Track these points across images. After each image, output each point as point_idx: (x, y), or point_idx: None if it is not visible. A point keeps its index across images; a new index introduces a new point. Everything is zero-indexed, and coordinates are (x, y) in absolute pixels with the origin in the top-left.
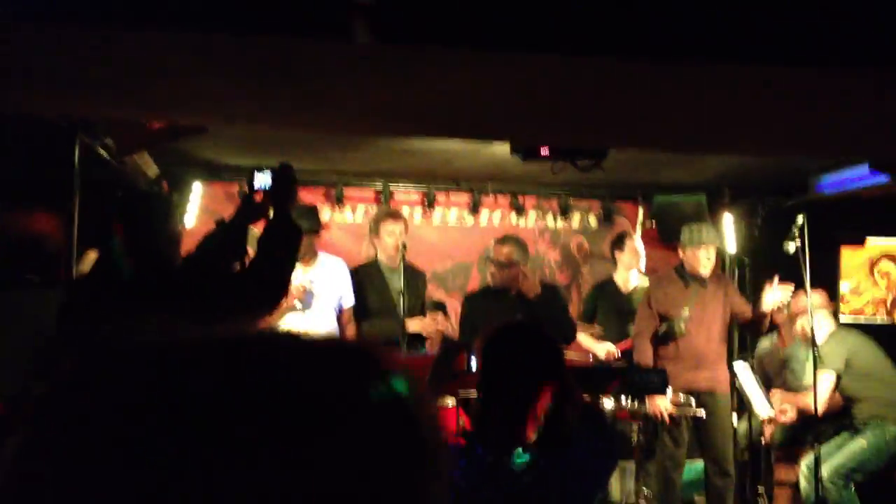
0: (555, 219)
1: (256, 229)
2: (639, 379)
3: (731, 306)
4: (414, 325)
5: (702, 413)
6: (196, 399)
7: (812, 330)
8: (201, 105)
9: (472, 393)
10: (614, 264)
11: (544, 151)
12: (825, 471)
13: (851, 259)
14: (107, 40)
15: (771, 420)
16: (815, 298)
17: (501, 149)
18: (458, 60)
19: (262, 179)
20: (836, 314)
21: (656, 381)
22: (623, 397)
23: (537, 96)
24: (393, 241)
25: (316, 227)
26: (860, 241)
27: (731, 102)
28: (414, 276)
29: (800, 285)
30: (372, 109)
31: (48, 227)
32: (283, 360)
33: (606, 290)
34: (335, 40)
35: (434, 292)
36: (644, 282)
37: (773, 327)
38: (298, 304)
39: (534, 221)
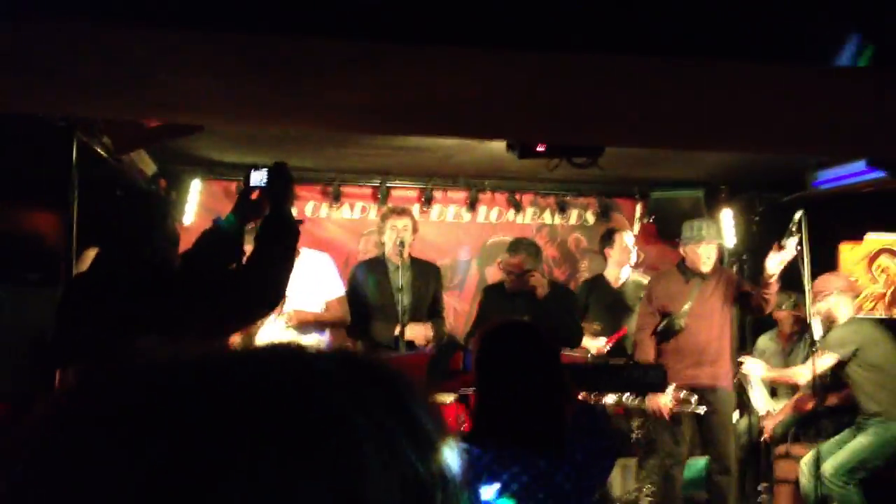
0: (552, 215)
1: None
2: (638, 376)
3: (737, 290)
4: (410, 331)
5: (702, 410)
6: (195, 425)
7: (811, 325)
8: (198, 104)
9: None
10: (604, 260)
11: (540, 149)
12: (828, 468)
13: (850, 254)
14: (103, 39)
15: (771, 416)
16: (838, 282)
17: (498, 145)
18: (454, 59)
19: (259, 178)
20: None
21: (656, 378)
22: (623, 394)
23: (533, 94)
24: (395, 235)
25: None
26: (858, 237)
27: (729, 100)
28: (424, 272)
29: (798, 281)
30: (368, 108)
31: (47, 226)
32: (284, 385)
33: (597, 286)
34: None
35: None
36: (636, 277)
37: (773, 323)
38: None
39: (531, 218)
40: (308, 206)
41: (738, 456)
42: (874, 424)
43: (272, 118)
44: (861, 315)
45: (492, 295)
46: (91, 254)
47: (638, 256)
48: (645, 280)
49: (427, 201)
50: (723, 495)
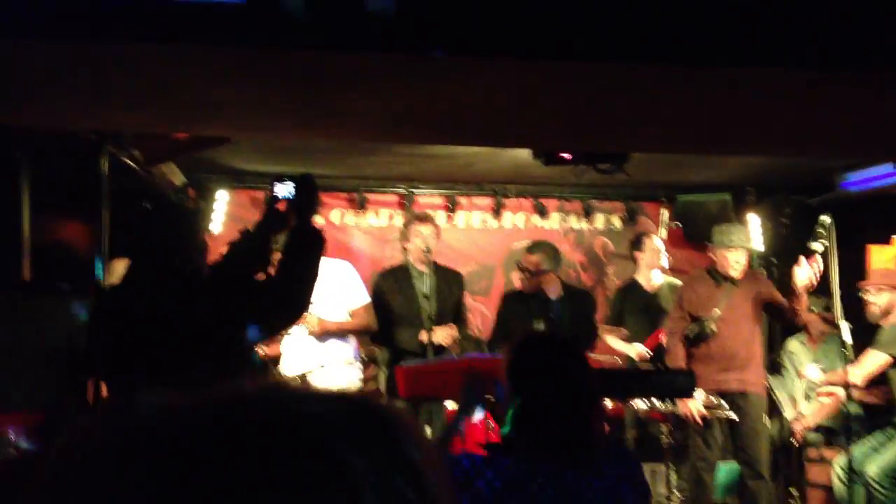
0: (578, 220)
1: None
2: (667, 381)
3: (768, 299)
4: (437, 335)
5: (733, 415)
6: (192, 478)
7: (840, 329)
8: (225, 116)
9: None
10: (635, 264)
11: (566, 156)
12: (872, 471)
13: (879, 256)
14: (132, 56)
15: (801, 419)
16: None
17: (523, 152)
18: (480, 69)
19: (284, 189)
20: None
21: (684, 383)
22: (653, 399)
23: (559, 103)
24: (422, 242)
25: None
26: (887, 239)
27: (754, 105)
28: (447, 279)
29: (827, 284)
30: (394, 118)
31: (79, 237)
32: (282, 433)
33: (631, 291)
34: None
35: None
36: (670, 280)
37: (802, 326)
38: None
39: (557, 223)
40: (334, 214)
41: (769, 460)
42: None
43: (298, 129)
44: None
45: (509, 301)
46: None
47: (668, 260)
48: (678, 283)
49: (452, 208)
50: (755, 500)
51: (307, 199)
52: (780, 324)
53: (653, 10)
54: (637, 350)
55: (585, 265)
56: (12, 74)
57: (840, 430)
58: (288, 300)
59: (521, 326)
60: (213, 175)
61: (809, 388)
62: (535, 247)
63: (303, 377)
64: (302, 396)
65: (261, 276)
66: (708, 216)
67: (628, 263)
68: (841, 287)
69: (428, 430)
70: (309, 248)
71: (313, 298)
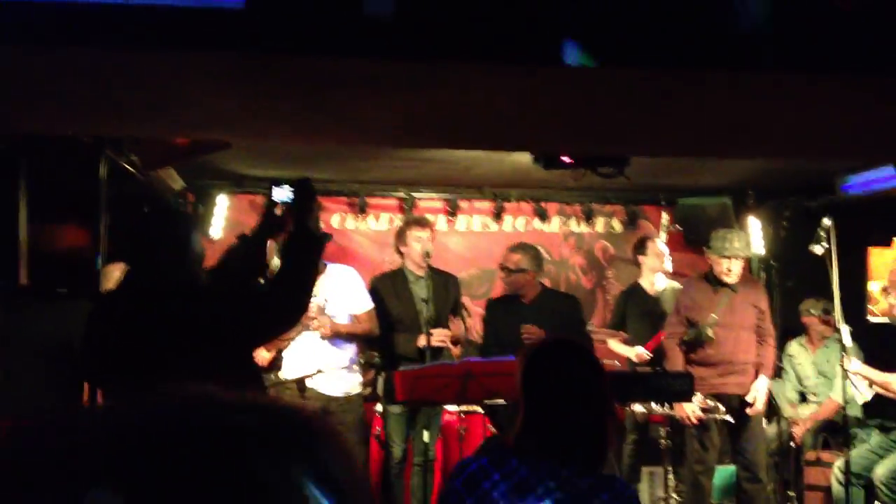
0: (578, 223)
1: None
2: (665, 384)
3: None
4: (434, 336)
5: (730, 418)
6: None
7: (840, 332)
8: (225, 122)
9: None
10: (638, 268)
11: (566, 160)
12: (881, 471)
13: (879, 259)
14: (131, 62)
15: (800, 423)
16: None
17: (523, 156)
18: (479, 74)
19: (282, 193)
20: (865, 315)
21: (682, 386)
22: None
23: (559, 107)
24: (420, 247)
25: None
26: (887, 242)
27: (754, 108)
28: (443, 282)
29: (828, 286)
30: (393, 123)
31: (77, 241)
32: (197, 444)
33: (634, 294)
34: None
35: None
36: (673, 284)
37: (802, 328)
38: (315, 324)
39: (558, 227)
40: (334, 218)
41: (767, 462)
42: None
43: (299, 135)
44: (875, 320)
45: (496, 306)
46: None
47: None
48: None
49: (453, 212)
50: (752, 503)
51: (305, 202)
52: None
53: (652, 13)
54: (637, 352)
55: (585, 268)
56: (12, 80)
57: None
58: (286, 304)
59: (508, 331)
60: (213, 180)
61: (806, 390)
62: (518, 246)
63: (301, 381)
64: (228, 407)
65: (260, 281)
66: (708, 220)
67: (628, 267)
68: (841, 290)
69: (426, 435)
70: (307, 253)
71: (326, 302)
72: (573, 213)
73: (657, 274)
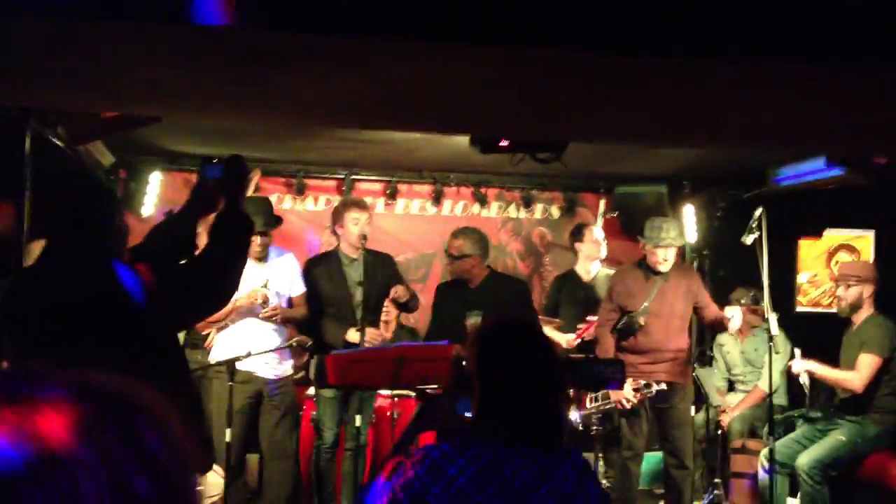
0: (517, 209)
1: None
2: (597, 371)
3: (694, 301)
4: (367, 338)
5: (663, 386)
6: None
7: (769, 321)
8: (156, 96)
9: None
10: (575, 255)
11: (503, 143)
12: (803, 463)
13: (809, 250)
14: (61, 31)
15: (727, 411)
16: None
17: (463, 139)
18: (418, 53)
19: (213, 170)
20: (793, 305)
21: (614, 374)
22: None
23: (497, 89)
24: (357, 228)
25: (273, 222)
26: (817, 233)
27: (689, 97)
28: (378, 263)
29: (758, 276)
30: (329, 101)
31: (2, 218)
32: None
33: (568, 281)
34: (293, 32)
35: None
36: (606, 271)
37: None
38: (260, 310)
39: (496, 212)
40: (272, 198)
41: (695, 449)
42: (851, 422)
43: (231, 111)
44: (803, 310)
45: (444, 292)
46: (35, 247)
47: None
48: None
49: (392, 194)
50: (679, 489)
51: (237, 181)
52: (702, 322)
53: None
54: (567, 339)
55: (523, 254)
56: None
57: (762, 423)
58: (213, 285)
59: (453, 317)
60: (146, 156)
61: (735, 378)
62: (460, 231)
63: (231, 363)
64: (33, 378)
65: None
66: (644, 208)
67: (565, 253)
68: (771, 280)
69: (358, 419)
70: (237, 232)
71: (269, 288)
72: (512, 198)
73: (593, 261)
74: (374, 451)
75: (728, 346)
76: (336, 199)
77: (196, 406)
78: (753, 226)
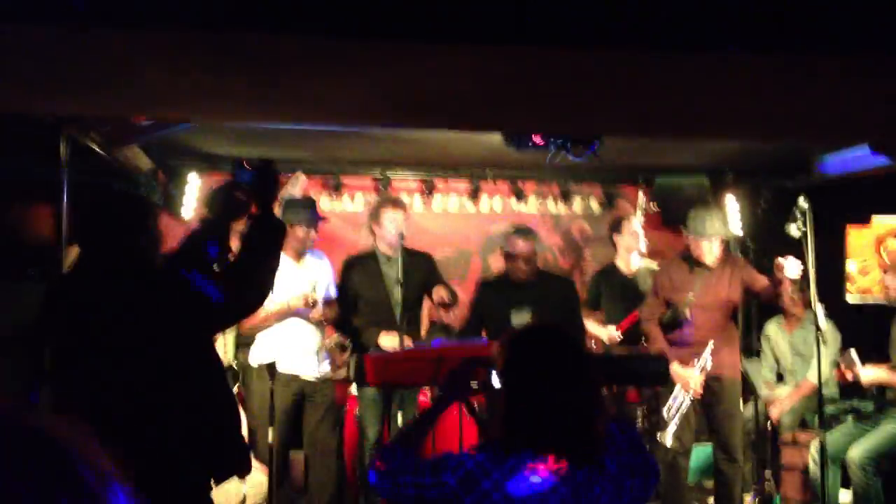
0: (556, 203)
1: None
2: (639, 366)
3: (744, 286)
4: (385, 341)
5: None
6: None
7: (816, 313)
8: (186, 101)
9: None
10: (614, 248)
11: (537, 140)
12: (856, 453)
13: (857, 239)
14: (90, 40)
15: (777, 403)
16: None
17: (497, 135)
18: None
19: (245, 175)
20: (843, 295)
21: (657, 368)
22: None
23: (530, 87)
24: (395, 227)
25: (313, 220)
26: (865, 221)
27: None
28: (416, 262)
29: (805, 268)
30: (357, 103)
31: (45, 221)
32: None
33: (609, 274)
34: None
35: None
36: (647, 263)
37: (779, 310)
38: (309, 312)
39: (535, 207)
40: None
41: (744, 442)
42: None
43: (260, 114)
44: (853, 299)
45: (488, 288)
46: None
47: (645, 243)
48: (656, 267)
49: (429, 191)
50: (729, 484)
51: (267, 185)
52: (762, 302)
53: None
54: (609, 334)
55: (563, 249)
56: None
57: (814, 415)
58: (245, 291)
59: (497, 315)
60: (184, 159)
61: (784, 370)
62: (523, 231)
63: (271, 365)
64: None
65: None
66: (685, 199)
67: (605, 247)
68: (819, 269)
69: (400, 416)
70: (270, 237)
71: (314, 290)
72: (550, 192)
73: (632, 254)
74: None
75: (776, 338)
76: (373, 198)
77: (231, 410)
78: (798, 216)
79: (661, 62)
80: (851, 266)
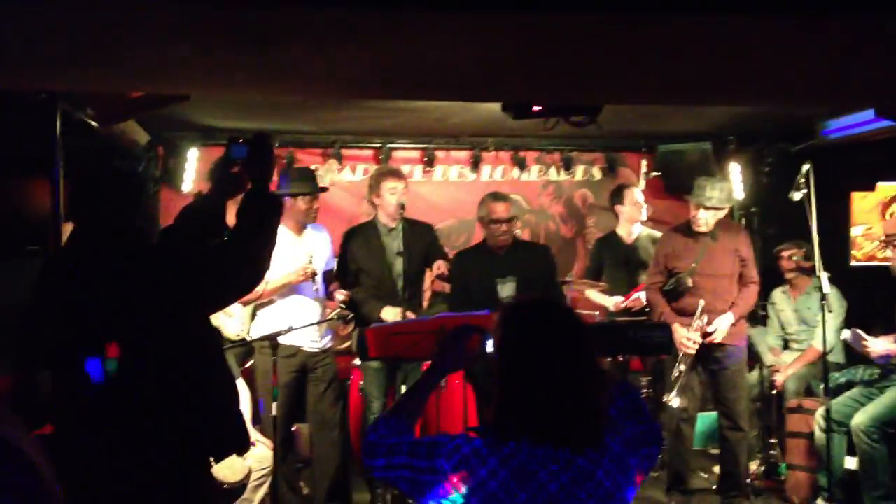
0: (558, 172)
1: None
2: (643, 336)
3: (738, 252)
4: (387, 314)
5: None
6: None
7: (820, 280)
8: (181, 74)
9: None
10: (615, 217)
11: (536, 108)
12: (860, 419)
13: (862, 203)
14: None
15: (781, 370)
16: None
17: (496, 104)
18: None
19: (239, 150)
20: (847, 260)
21: (661, 338)
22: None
23: (527, 55)
24: (395, 198)
25: (314, 190)
26: (869, 185)
27: (729, 54)
28: (417, 233)
29: (808, 233)
30: (356, 75)
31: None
32: None
33: (610, 243)
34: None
35: None
36: (648, 231)
37: (784, 279)
38: (314, 285)
39: (536, 175)
40: None
41: (749, 409)
42: None
43: (258, 86)
44: (858, 264)
45: (468, 258)
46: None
47: (648, 211)
48: (658, 234)
49: (429, 161)
50: (734, 451)
51: (263, 160)
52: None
53: None
54: (615, 301)
55: (565, 217)
56: None
57: (818, 382)
58: (241, 267)
59: (481, 285)
60: (183, 133)
61: (789, 337)
62: (498, 195)
63: (273, 338)
64: None
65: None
66: (688, 166)
67: (608, 215)
68: (824, 235)
69: (404, 389)
70: (265, 213)
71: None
72: (552, 161)
73: (634, 223)
74: (423, 418)
75: (781, 304)
76: (374, 168)
77: (229, 388)
78: (801, 182)
79: (665, 27)
80: (856, 231)
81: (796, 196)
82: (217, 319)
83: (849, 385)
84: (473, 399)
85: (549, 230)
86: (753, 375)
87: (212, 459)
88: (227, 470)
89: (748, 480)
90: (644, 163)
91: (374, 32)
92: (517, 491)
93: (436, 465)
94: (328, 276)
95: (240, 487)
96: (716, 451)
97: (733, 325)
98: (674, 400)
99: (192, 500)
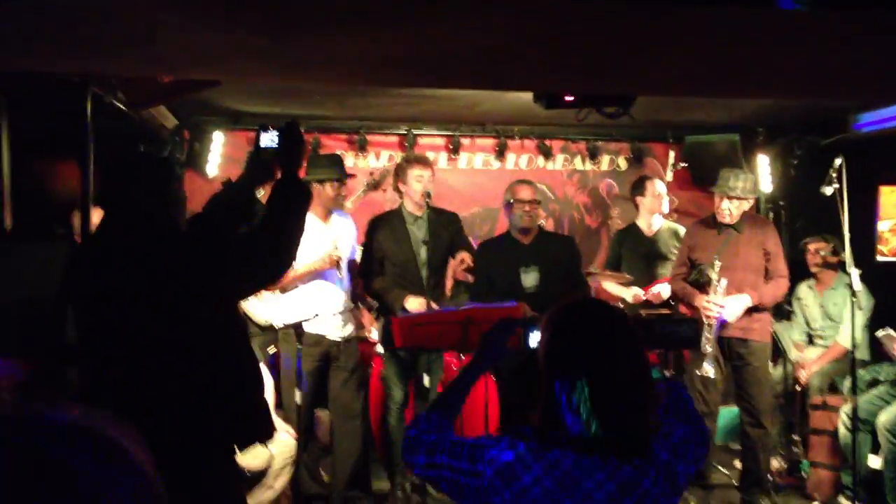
0: (583, 161)
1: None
2: (670, 330)
3: (763, 245)
4: (412, 304)
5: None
6: None
7: (850, 276)
8: (211, 60)
9: None
10: (636, 209)
11: (569, 98)
12: (886, 418)
13: (889, 198)
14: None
15: (805, 366)
16: None
17: (525, 93)
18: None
19: (269, 138)
20: (874, 255)
21: (688, 332)
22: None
23: (561, 44)
24: (421, 186)
25: (342, 175)
26: None
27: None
28: (443, 221)
29: (838, 227)
30: (385, 61)
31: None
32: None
33: (630, 234)
34: None
35: None
36: (669, 224)
37: (810, 273)
38: (338, 273)
39: (562, 164)
40: None
41: (773, 405)
42: None
43: (285, 72)
44: (884, 259)
45: (492, 248)
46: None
47: (671, 203)
48: (679, 227)
49: (454, 149)
50: (755, 448)
51: (293, 148)
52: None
53: None
54: (633, 293)
55: (589, 207)
56: None
57: (844, 379)
58: (272, 254)
59: (505, 274)
60: (209, 117)
61: (814, 332)
62: (523, 181)
63: (298, 325)
64: (55, 426)
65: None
66: (716, 157)
67: (633, 205)
68: (851, 229)
69: (426, 379)
70: (295, 201)
71: (336, 246)
72: (578, 150)
73: (655, 215)
74: None
75: (806, 299)
76: (398, 156)
77: (254, 375)
78: (833, 176)
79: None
80: (883, 226)
81: (828, 190)
82: (246, 304)
83: (874, 382)
84: (495, 396)
85: (574, 220)
86: (778, 371)
87: (236, 447)
88: (250, 456)
89: (770, 477)
90: (672, 153)
91: (404, 18)
92: (562, 499)
93: (478, 468)
94: (352, 267)
95: (259, 473)
96: (737, 447)
97: (750, 309)
98: (708, 370)
99: (216, 487)
